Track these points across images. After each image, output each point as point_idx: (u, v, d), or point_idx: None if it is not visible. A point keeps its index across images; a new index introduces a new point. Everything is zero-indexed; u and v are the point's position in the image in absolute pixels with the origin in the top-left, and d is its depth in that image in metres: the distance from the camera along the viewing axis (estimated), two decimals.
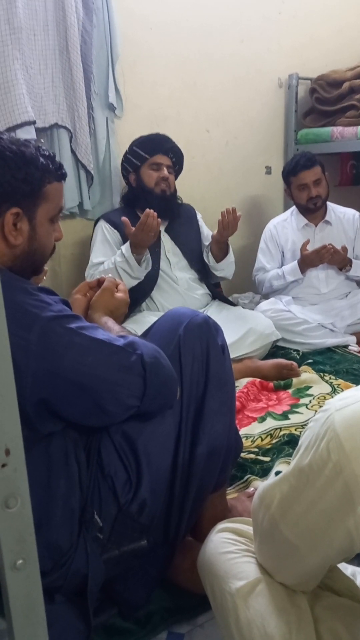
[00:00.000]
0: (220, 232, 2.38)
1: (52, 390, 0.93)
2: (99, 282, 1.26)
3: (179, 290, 2.44)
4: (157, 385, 1.01)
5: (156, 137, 2.45)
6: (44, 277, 1.17)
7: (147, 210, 2.13)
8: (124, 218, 2.20)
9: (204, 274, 2.58)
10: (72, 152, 2.44)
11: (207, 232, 2.64)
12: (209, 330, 1.20)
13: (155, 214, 2.13)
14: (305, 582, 0.80)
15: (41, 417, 0.95)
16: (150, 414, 1.07)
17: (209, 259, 2.51)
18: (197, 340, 1.17)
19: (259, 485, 0.82)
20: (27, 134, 2.19)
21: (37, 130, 2.28)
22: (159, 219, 2.16)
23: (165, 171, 2.42)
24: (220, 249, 2.48)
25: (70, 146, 2.44)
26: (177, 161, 2.49)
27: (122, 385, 0.97)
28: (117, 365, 0.97)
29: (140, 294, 2.35)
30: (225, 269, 2.54)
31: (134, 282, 2.26)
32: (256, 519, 0.81)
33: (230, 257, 2.53)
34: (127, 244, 2.22)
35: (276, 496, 0.74)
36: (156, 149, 2.41)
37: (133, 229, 2.15)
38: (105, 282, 1.24)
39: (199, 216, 2.67)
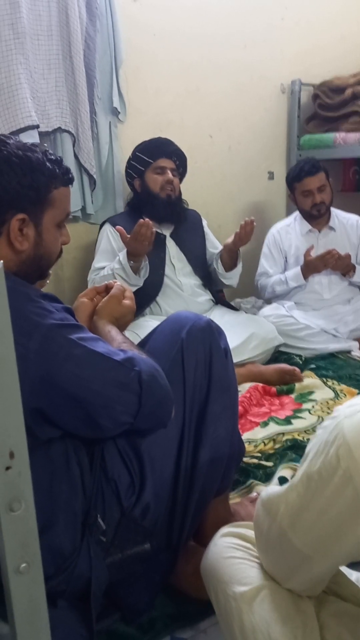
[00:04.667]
0: (235, 242, 2.37)
1: (47, 399, 0.92)
2: (107, 288, 1.26)
3: (183, 296, 2.44)
4: (152, 404, 1.00)
5: (158, 141, 2.46)
6: (47, 281, 1.16)
7: (141, 220, 2.11)
8: (119, 227, 2.19)
9: (208, 281, 2.57)
10: (75, 156, 2.45)
11: (213, 239, 2.63)
12: (212, 334, 1.19)
13: (150, 223, 2.11)
14: (312, 587, 0.79)
15: (38, 423, 0.95)
16: (143, 431, 1.06)
17: (218, 266, 2.50)
18: (200, 344, 1.17)
19: (262, 494, 0.81)
20: (30, 138, 2.20)
21: (40, 134, 2.29)
22: (157, 230, 2.13)
23: (169, 174, 2.41)
24: (232, 257, 2.47)
25: (73, 150, 2.44)
26: (180, 164, 2.49)
27: (117, 402, 0.96)
28: (114, 381, 0.96)
29: (145, 299, 2.35)
30: (232, 277, 2.54)
31: (132, 289, 2.23)
32: (260, 529, 0.80)
33: (240, 267, 2.53)
34: (125, 251, 2.21)
35: (281, 506, 0.74)
36: (159, 153, 2.41)
37: (128, 237, 2.14)
38: (113, 289, 1.23)
39: (204, 222, 2.65)
